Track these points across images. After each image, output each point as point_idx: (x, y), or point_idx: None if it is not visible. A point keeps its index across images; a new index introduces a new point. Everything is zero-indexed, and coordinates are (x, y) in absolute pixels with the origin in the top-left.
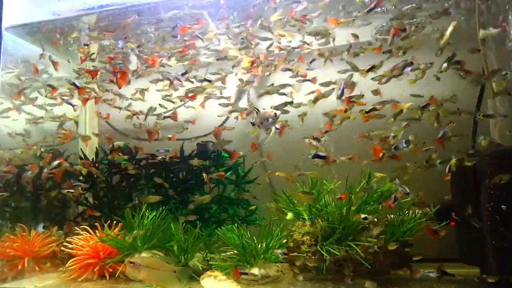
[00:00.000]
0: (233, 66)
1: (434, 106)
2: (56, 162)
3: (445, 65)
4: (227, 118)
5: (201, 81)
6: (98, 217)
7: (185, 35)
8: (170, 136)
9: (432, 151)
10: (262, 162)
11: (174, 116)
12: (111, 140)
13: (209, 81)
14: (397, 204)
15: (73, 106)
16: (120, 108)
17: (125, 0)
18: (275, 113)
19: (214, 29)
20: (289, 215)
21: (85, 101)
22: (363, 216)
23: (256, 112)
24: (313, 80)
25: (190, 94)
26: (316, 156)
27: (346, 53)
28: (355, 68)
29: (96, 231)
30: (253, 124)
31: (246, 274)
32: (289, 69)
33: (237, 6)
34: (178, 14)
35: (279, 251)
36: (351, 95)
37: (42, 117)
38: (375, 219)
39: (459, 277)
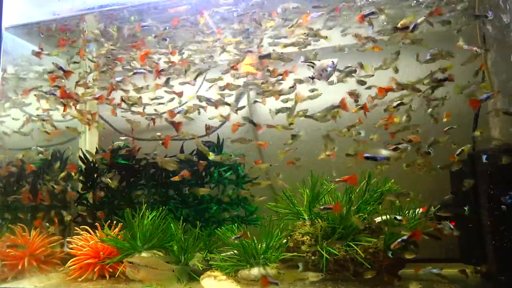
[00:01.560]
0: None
1: None
2: None
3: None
4: (224, 121)
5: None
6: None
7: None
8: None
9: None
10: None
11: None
12: (95, 115)
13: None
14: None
15: (55, 95)
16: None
17: (125, 0)
18: (333, 61)
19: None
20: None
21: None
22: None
23: (312, 66)
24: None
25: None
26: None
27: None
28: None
29: (96, 231)
30: (312, 78)
31: (277, 284)
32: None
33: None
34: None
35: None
36: None
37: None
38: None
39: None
